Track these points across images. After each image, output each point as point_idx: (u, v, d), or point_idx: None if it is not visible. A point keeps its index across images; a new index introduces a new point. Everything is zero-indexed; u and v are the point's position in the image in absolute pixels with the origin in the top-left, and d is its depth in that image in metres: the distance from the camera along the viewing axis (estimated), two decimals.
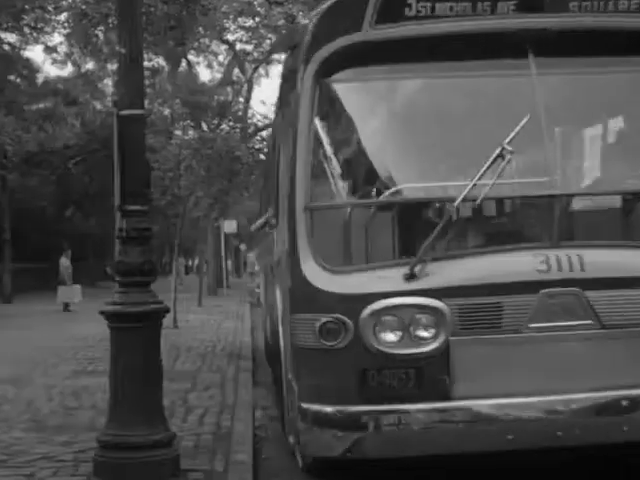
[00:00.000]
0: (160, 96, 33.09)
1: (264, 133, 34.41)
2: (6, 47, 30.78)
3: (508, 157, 4.75)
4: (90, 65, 36.07)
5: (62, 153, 30.70)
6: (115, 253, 5.49)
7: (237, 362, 11.19)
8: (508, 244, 5.02)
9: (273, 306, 6.58)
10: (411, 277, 4.75)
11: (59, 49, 32.93)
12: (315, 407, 4.89)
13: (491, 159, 4.75)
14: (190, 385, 9.14)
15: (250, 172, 18.71)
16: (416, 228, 5.20)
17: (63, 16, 25.43)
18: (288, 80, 5.44)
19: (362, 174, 5.39)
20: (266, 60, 37.13)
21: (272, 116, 36.07)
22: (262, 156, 20.15)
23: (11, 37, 29.02)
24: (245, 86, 38.38)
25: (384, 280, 4.82)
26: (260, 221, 9.85)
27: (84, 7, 21.72)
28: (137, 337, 5.34)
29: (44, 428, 7.05)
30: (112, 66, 31.33)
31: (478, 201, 4.81)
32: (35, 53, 51.99)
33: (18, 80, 34.98)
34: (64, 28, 26.62)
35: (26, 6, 23.86)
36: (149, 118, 22.87)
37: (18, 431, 6.96)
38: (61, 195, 36.44)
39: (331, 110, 5.30)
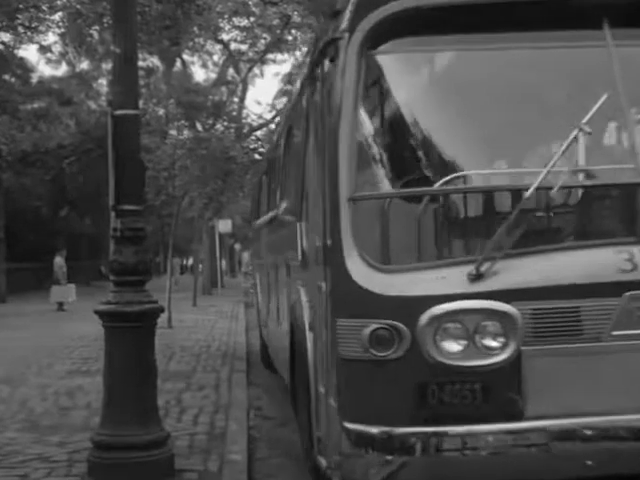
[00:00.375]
0: (155, 96, 33.04)
1: (259, 133, 34.49)
2: (0, 46, 30.73)
3: (586, 140, 4.15)
4: (85, 65, 36.21)
5: (56, 153, 30.64)
6: (110, 253, 5.49)
7: (231, 362, 11.19)
8: (587, 239, 4.44)
9: (294, 309, 5.88)
10: (477, 277, 4.11)
11: (53, 48, 32.95)
12: (362, 428, 4.19)
13: (567, 142, 4.11)
14: (184, 385, 9.14)
15: (245, 172, 18.71)
16: (480, 221, 4.60)
17: (58, 15, 25.45)
18: (324, 54, 4.69)
19: (415, 159, 4.66)
20: (261, 60, 37.15)
21: (267, 116, 36.28)
22: (257, 156, 20.15)
23: (5, 36, 28.95)
24: (240, 86, 38.39)
25: (445, 281, 4.17)
26: (267, 216, 9.04)
27: (79, 7, 21.75)
28: (131, 337, 5.33)
29: (38, 428, 7.04)
30: (107, 66, 31.41)
31: (554, 190, 4.16)
32: (29, 52, 51.99)
33: (12, 79, 34.94)
34: (59, 27, 26.64)
35: (20, 5, 23.81)
36: (144, 118, 22.83)
37: (12, 431, 6.96)
38: (55, 195, 36.42)
39: (379, 87, 4.60)
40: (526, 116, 4.61)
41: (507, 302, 4.10)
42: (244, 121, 34.96)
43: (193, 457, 5.95)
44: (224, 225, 33.75)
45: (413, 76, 4.81)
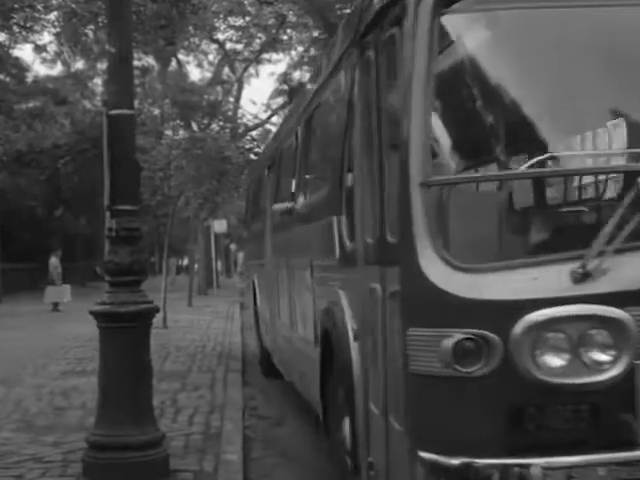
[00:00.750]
0: (150, 95, 33.09)
1: (254, 133, 34.55)
2: None
3: None
4: (80, 64, 36.19)
5: (52, 152, 30.65)
6: (105, 253, 5.48)
7: (227, 362, 11.18)
8: None
9: (328, 314, 5.20)
10: (583, 277, 3.41)
11: (49, 48, 32.95)
12: (439, 458, 3.48)
13: None
14: (180, 385, 9.13)
15: (240, 172, 18.72)
16: (583, 210, 3.87)
17: (53, 15, 25.47)
18: (383, 16, 4.02)
19: (501, 137, 3.89)
20: (256, 59, 37.18)
21: (262, 116, 36.30)
22: (252, 156, 20.16)
23: (0, 36, 28.96)
24: (235, 85, 38.43)
25: (543, 281, 3.46)
26: (276, 213, 8.06)
27: (74, 6, 21.73)
28: (126, 337, 5.33)
29: (33, 428, 7.03)
30: (102, 65, 31.38)
31: None
32: (24, 52, 52.08)
33: (7, 79, 34.93)
34: (54, 27, 26.65)
35: (15, 5, 23.80)
36: (139, 118, 22.85)
37: (7, 431, 6.94)
38: (51, 195, 36.38)
39: (456, 52, 3.90)
40: (628, 85, 3.86)
41: (619, 307, 3.39)
42: (239, 121, 35.04)
43: (188, 457, 5.94)
44: (219, 225, 33.72)
45: (500, 39, 3.99)
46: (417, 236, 3.54)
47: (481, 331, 3.39)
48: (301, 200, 6.58)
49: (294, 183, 6.97)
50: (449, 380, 3.44)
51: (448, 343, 3.39)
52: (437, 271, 3.51)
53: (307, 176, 6.50)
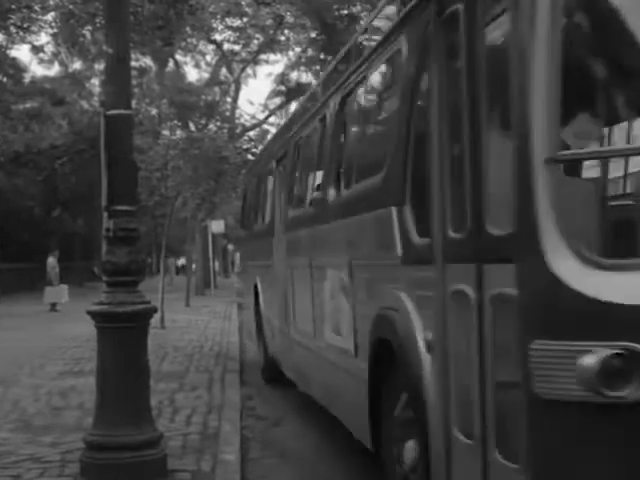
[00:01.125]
0: (147, 96, 33.07)
1: (252, 133, 34.56)
2: None
3: None
4: (77, 65, 36.21)
5: (49, 153, 30.67)
6: (102, 253, 5.48)
7: (224, 362, 11.18)
8: None
9: (384, 321, 4.45)
10: None
11: (46, 49, 32.97)
12: None
13: None
14: (177, 385, 9.13)
15: (237, 172, 18.73)
16: None
17: (50, 16, 25.51)
18: None
19: None
20: (254, 60, 37.19)
21: (260, 116, 36.28)
22: (250, 156, 20.17)
23: None
24: (232, 86, 38.42)
25: None
26: (295, 207, 7.40)
27: (71, 7, 21.74)
28: (124, 337, 5.33)
29: (31, 428, 7.02)
30: (99, 66, 31.39)
31: None
32: (22, 52, 52.25)
33: (5, 79, 34.93)
34: (51, 28, 26.71)
35: (13, 5, 23.82)
36: (136, 118, 22.83)
37: (5, 432, 6.93)
38: (48, 195, 36.39)
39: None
40: None
41: None
42: (237, 121, 35.04)
43: (186, 457, 5.94)
44: (217, 225, 33.74)
45: None
46: (542, 225, 2.84)
47: (631, 344, 2.72)
48: (332, 192, 5.86)
49: (322, 174, 6.19)
50: (591, 407, 2.77)
51: (591, 360, 2.71)
52: (570, 268, 2.82)
53: (341, 167, 5.77)
